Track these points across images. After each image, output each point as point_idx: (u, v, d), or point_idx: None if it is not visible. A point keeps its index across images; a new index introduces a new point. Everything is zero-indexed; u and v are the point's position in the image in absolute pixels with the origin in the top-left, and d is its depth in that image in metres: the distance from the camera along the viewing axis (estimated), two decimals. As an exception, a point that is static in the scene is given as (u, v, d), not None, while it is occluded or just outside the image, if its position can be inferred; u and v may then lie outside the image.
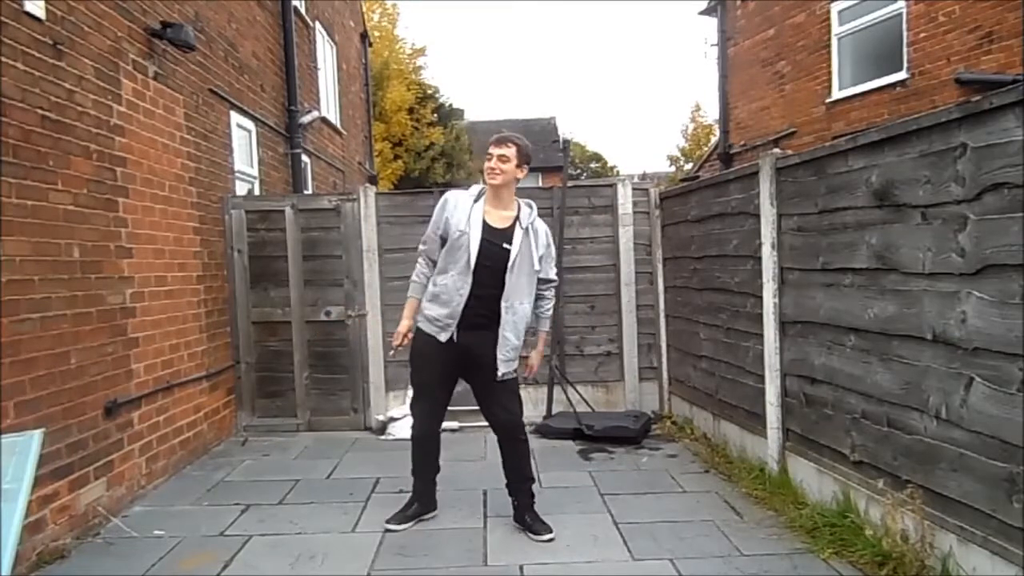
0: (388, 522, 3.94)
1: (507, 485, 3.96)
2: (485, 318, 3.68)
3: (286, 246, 6.28)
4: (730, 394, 5.09)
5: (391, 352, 4.00)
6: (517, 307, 3.71)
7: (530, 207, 3.85)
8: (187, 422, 5.34)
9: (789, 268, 4.20)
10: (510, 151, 3.67)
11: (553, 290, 4.01)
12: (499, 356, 3.69)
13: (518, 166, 3.71)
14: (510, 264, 3.66)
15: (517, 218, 3.75)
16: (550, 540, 3.72)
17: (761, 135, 12.21)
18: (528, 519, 3.86)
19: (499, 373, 3.71)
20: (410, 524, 3.92)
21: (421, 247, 3.89)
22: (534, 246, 3.75)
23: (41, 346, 3.68)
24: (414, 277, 3.90)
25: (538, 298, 3.90)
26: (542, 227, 3.85)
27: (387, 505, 4.37)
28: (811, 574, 3.29)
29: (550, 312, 4.03)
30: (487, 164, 3.70)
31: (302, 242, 6.32)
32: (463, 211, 3.70)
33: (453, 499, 4.32)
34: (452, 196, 3.82)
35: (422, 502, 4.03)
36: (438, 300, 3.71)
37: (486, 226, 3.69)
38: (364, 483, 4.79)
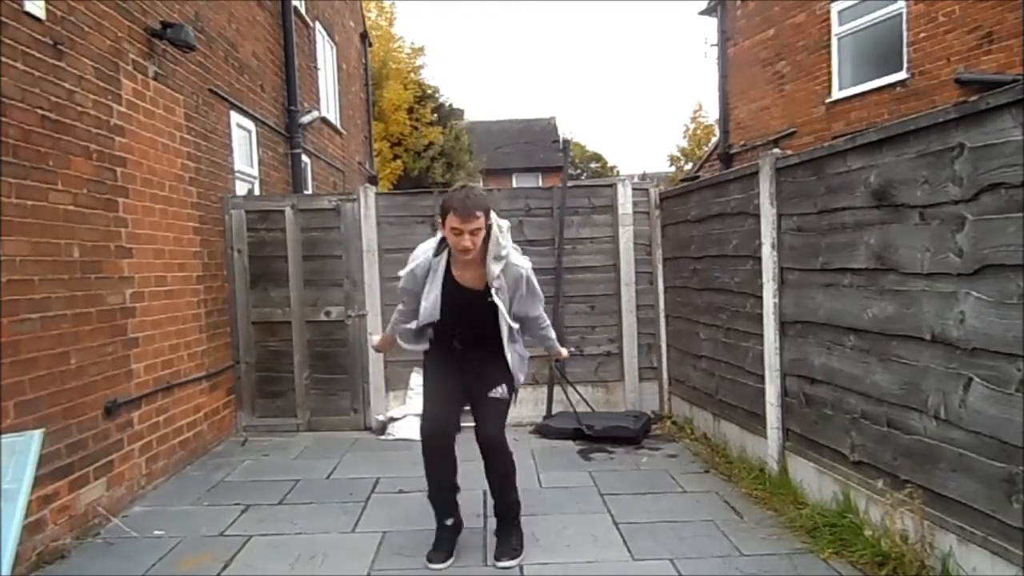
0: (430, 560, 3.51)
1: (494, 507, 3.74)
2: (486, 337, 3.50)
3: (286, 246, 6.29)
4: (730, 394, 5.09)
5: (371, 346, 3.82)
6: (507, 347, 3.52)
7: (498, 244, 3.37)
8: (187, 422, 5.35)
9: (789, 268, 4.20)
10: (480, 221, 3.24)
11: (545, 323, 3.77)
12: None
13: (486, 228, 3.30)
14: (502, 326, 3.46)
15: (485, 265, 3.39)
16: (507, 568, 3.46)
17: (761, 135, 12.21)
18: (497, 537, 3.65)
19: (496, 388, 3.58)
20: (453, 560, 3.54)
21: (400, 303, 3.71)
22: (511, 291, 3.46)
23: (41, 346, 3.69)
24: (393, 320, 3.80)
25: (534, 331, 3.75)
26: (519, 269, 3.46)
27: (387, 505, 4.38)
28: (811, 574, 3.29)
29: (548, 331, 3.84)
30: (457, 239, 3.25)
31: (302, 242, 6.32)
32: (425, 277, 3.47)
33: (453, 499, 4.33)
34: (413, 260, 3.53)
35: (454, 530, 3.65)
36: (421, 336, 3.63)
37: (454, 286, 3.44)
38: (364, 483, 4.79)
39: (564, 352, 4.10)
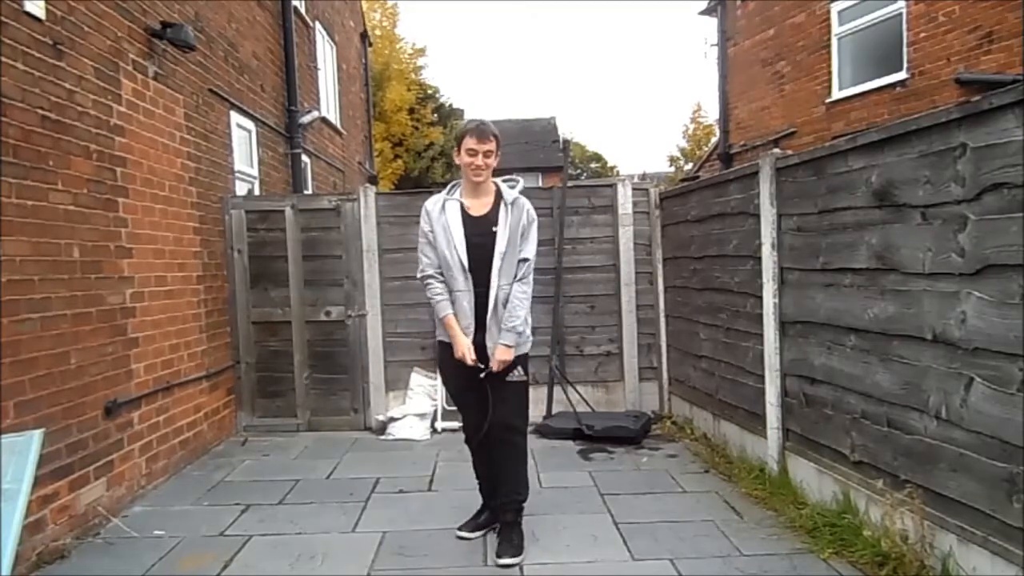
0: (460, 529, 3.83)
1: (496, 500, 3.77)
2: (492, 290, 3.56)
3: (286, 246, 6.29)
4: (730, 394, 5.09)
5: (470, 361, 3.55)
6: (506, 288, 3.54)
7: (513, 184, 3.70)
8: (187, 422, 5.34)
9: (789, 268, 4.20)
10: (493, 145, 3.54)
11: (524, 270, 3.59)
12: (488, 344, 3.54)
13: (496, 156, 3.59)
14: (496, 245, 3.51)
15: (499, 198, 3.62)
16: (507, 566, 3.47)
17: (761, 135, 12.21)
18: (498, 536, 3.66)
19: (492, 363, 3.54)
20: (481, 533, 3.81)
21: (425, 269, 3.64)
22: (515, 223, 3.57)
23: (41, 346, 3.69)
24: (436, 297, 3.61)
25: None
26: (525, 203, 3.65)
27: (387, 505, 4.38)
28: (811, 574, 3.29)
29: (517, 304, 3.54)
30: (471, 160, 3.52)
31: (302, 242, 6.32)
32: (440, 218, 3.58)
33: (453, 498, 4.33)
34: (428, 206, 3.66)
35: (492, 510, 3.84)
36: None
37: (468, 219, 3.58)
38: (364, 483, 4.79)
39: (495, 360, 3.53)
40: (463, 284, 3.55)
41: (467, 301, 3.56)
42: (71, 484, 3.88)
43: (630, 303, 6.45)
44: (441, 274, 3.63)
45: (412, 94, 21.53)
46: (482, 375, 3.56)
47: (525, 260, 3.62)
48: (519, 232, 3.58)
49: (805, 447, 4.10)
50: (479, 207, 3.62)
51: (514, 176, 3.78)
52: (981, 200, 2.74)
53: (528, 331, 3.70)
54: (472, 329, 3.58)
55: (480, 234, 3.55)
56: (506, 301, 3.55)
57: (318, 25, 10.68)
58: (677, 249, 6.03)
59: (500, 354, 3.52)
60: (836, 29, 10.63)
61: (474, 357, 3.55)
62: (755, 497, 4.24)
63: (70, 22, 4.04)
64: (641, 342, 6.48)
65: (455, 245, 3.53)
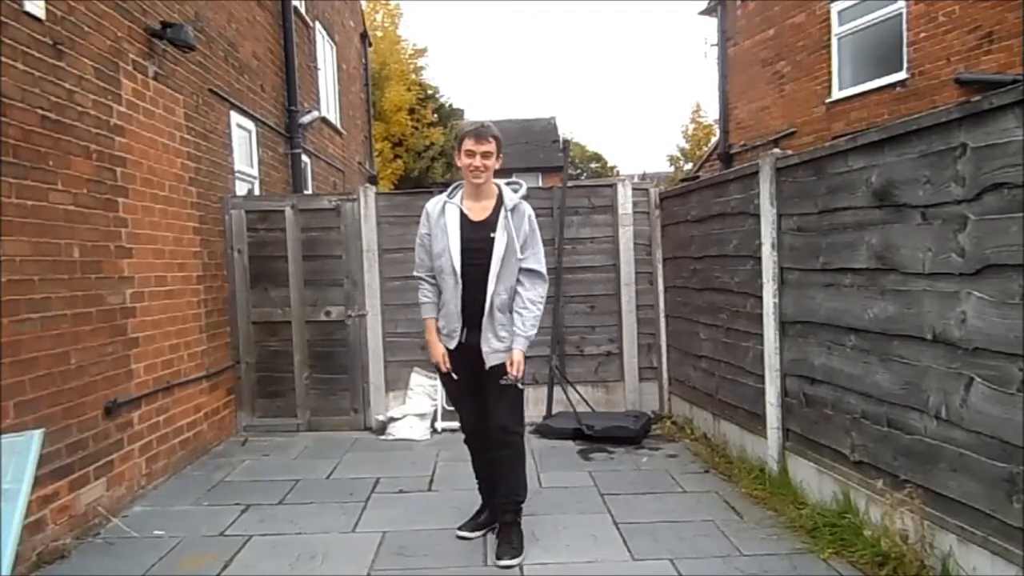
0: (460, 529, 3.84)
1: (495, 500, 3.79)
2: (486, 299, 3.55)
3: (286, 246, 6.29)
4: (730, 394, 5.09)
5: (444, 368, 3.67)
6: (503, 294, 3.55)
7: (516, 187, 3.70)
8: (187, 422, 5.34)
9: (789, 268, 4.20)
10: (492, 146, 3.52)
11: (535, 284, 3.59)
12: (483, 348, 3.56)
13: (497, 158, 3.57)
14: (494, 251, 3.50)
15: (500, 202, 3.59)
16: (507, 567, 3.47)
17: (761, 135, 12.21)
18: (497, 537, 3.67)
19: (486, 366, 3.56)
20: (481, 533, 3.81)
21: (417, 270, 3.73)
22: (515, 230, 3.53)
23: (41, 346, 3.69)
24: (422, 298, 3.72)
25: (514, 290, 3.58)
26: (527, 209, 3.61)
27: (387, 505, 4.38)
28: (811, 574, 3.29)
29: (529, 310, 3.55)
30: (470, 162, 3.50)
31: (302, 242, 6.32)
32: (438, 221, 3.59)
33: (453, 498, 4.33)
34: (428, 207, 3.68)
35: (491, 510, 3.85)
36: (439, 312, 3.68)
37: (467, 223, 3.57)
38: (364, 483, 4.79)
39: (512, 364, 3.54)
40: (453, 288, 3.56)
41: (455, 305, 3.57)
42: (71, 484, 3.88)
43: (630, 303, 6.45)
44: (433, 277, 3.66)
45: (412, 94, 21.54)
46: (502, 382, 3.56)
47: (536, 272, 3.60)
48: (519, 238, 3.55)
49: (805, 447, 4.10)
50: (479, 211, 3.60)
51: (517, 180, 3.78)
52: (981, 200, 2.74)
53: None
54: (458, 332, 3.61)
55: (478, 239, 3.54)
56: (502, 307, 3.56)
57: (318, 25, 10.68)
58: (677, 249, 6.03)
59: (517, 358, 3.56)
60: (836, 29, 10.63)
61: (448, 366, 3.65)
62: (755, 497, 4.24)
63: (70, 22, 4.04)
64: (641, 342, 6.48)
65: (449, 250, 3.53)
